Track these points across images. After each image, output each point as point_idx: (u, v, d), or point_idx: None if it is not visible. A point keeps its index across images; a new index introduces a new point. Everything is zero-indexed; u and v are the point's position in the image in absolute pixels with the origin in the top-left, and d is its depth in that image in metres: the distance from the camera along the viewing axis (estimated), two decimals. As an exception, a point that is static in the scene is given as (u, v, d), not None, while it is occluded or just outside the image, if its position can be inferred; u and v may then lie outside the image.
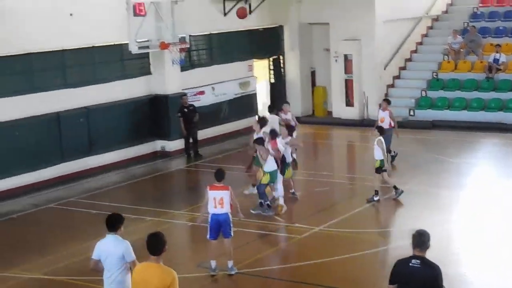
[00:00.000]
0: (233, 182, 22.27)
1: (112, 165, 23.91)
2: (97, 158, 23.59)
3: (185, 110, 25.14)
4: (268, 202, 18.23)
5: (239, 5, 27.97)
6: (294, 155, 20.27)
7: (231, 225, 14.51)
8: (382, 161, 19.14)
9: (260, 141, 18.48)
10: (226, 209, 14.34)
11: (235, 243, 16.09)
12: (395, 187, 19.24)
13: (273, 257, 15.70)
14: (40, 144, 21.80)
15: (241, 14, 21.86)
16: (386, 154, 19.59)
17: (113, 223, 10.38)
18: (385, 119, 22.28)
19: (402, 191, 19.16)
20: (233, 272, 14.52)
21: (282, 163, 18.62)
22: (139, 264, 9.27)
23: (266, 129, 19.68)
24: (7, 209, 20.06)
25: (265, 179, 18.26)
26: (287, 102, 23.60)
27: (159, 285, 8.72)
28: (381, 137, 19.17)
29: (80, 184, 22.30)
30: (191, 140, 25.42)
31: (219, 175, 14.67)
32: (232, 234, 14.53)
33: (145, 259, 9.16)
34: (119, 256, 10.15)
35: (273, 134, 18.87)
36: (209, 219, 14.52)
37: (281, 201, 18.56)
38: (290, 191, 19.67)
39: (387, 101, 23.39)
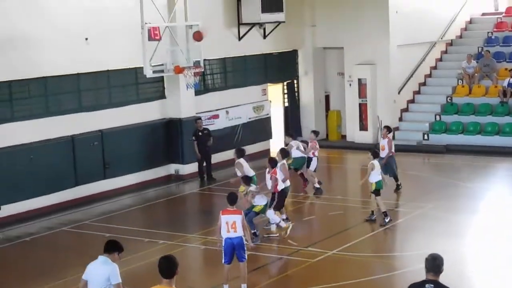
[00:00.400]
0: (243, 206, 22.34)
1: (126, 188, 23.96)
2: (111, 182, 23.64)
3: (199, 133, 25.21)
4: (255, 231, 18.04)
5: (253, 29, 28.14)
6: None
7: (245, 248, 14.49)
8: (378, 183, 19.18)
9: (246, 181, 18.36)
10: (239, 232, 14.35)
11: (249, 267, 16.05)
12: (385, 214, 19.16)
13: (287, 281, 15.65)
14: (54, 168, 21.86)
15: (197, 37, 22.09)
16: (383, 175, 19.73)
17: (109, 247, 10.63)
18: (385, 147, 22.12)
19: (390, 220, 19.10)
20: None
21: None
22: None
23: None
24: (21, 232, 20.12)
25: (258, 209, 18.14)
26: (314, 132, 23.98)
27: None
28: (374, 161, 19.35)
29: (94, 207, 22.34)
30: (204, 164, 25.45)
31: (232, 199, 14.75)
32: (246, 257, 14.50)
33: (158, 282, 8.92)
34: (105, 277, 10.33)
35: (273, 163, 18.73)
36: (223, 244, 14.52)
37: (281, 224, 18.44)
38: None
39: (387, 128, 22.96)
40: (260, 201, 18.01)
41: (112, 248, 10.57)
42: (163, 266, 8.70)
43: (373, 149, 20.38)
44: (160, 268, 8.71)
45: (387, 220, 18.97)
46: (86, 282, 10.59)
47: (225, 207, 14.64)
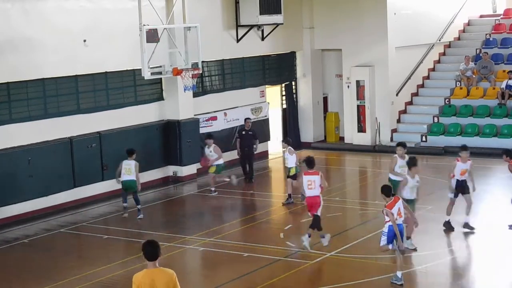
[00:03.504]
0: (243, 207, 22.37)
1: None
2: (109, 183, 23.59)
3: (243, 133, 25.54)
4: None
5: (252, 31, 28.14)
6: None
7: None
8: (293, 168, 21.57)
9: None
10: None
11: (248, 269, 16.11)
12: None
13: (285, 283, 15.62)
14: (52, 169, 21.84)
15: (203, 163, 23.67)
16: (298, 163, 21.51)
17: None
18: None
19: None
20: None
21: None
22: (140, 272, 9.55)
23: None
24: (19, 233, 20.09)
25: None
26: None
27: (168, 281, 9.32)
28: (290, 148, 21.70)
29: (92, 209, 22.32)
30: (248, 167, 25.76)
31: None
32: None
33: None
34: None
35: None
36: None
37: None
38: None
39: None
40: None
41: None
42: (148, 251, 9.40)
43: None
44: (146, 253, 9.42)
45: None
46: None
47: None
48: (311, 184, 17.04)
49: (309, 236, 17.25)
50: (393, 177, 18.90)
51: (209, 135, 24.28)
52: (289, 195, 22.19)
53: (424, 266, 16.22)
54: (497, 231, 18.74)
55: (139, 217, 20.87)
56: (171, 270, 9.46)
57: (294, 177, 21.42)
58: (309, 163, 17.44)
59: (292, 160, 21.82)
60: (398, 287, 14.74)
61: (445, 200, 21.63)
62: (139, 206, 21.03)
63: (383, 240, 14.90)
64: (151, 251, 9.41)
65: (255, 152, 26.00)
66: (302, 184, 17.28)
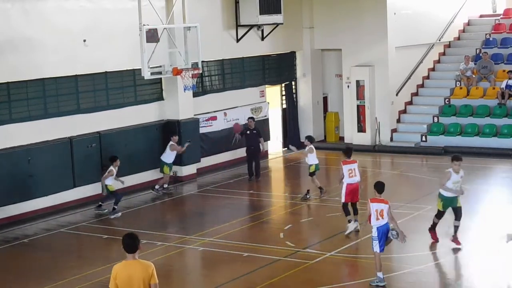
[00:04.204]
0: (242, 207, 22.39)
1: (124, 190, 23.90)
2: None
3: (247, 132, 25.60)
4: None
5: (252, 31, 28.15)
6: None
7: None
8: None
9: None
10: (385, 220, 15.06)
11: (247, 269, 16.13)
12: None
13: (284, 283, 15.62)
14: (52, 169, 21.84)
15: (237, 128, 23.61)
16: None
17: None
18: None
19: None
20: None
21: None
22: (119, 263, 9.84)
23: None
24: (19, 233, 20.09)
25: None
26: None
27: (144, 276, 9.57)
28: (311, 146, 21.97)
29: (92, 209, 22.30)
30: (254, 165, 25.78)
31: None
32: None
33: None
34: None
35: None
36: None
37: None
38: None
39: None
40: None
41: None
42: (127, 243, 9.73)
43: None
44: (125, 245, 9.75)
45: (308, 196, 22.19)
46: None
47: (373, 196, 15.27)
48: (352, 172, 18.31)
49: (356, 221, 18.51)
50: (444, 193, 17.48)
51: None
52: (308, 191, 22.65)
53: (424, 266, 16.22)
54: (498, 230, 18.73)
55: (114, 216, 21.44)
56: (148, 263, 9.70)
57: (313, 174, 22.33)
58: (348, 152, 18.87)
59: (312, 158, 22.18)
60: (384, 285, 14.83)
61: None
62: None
63: (375, 245, 14.94)
64: (129, 243, 9.70)
65: (262, 150, 26.13)
66: (341, 173, 18.43)
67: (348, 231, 18.49)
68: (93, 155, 23.03)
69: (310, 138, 22.74)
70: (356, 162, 18.59)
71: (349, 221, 18.55)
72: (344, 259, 16.80)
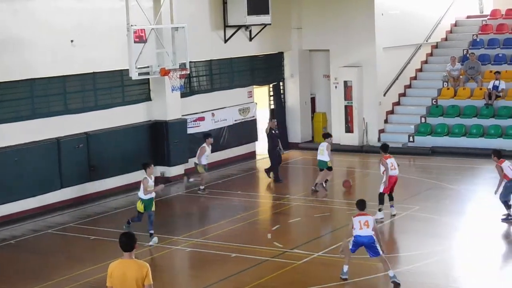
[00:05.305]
0: (230, 207, 22.38)
1: (111, 190, 23.92)
2: (97, 184, 23.60)
3: (273, 132, 25.54)
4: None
5: (240, 32, 28.15)
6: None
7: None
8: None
9: None
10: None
11: (235, 269, 16.12)
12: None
13: (272, 284, 15.64)
14: (40, 170, 21.79)
15: (347, 185, 23.68)
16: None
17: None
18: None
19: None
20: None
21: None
22: (115, 261, 9.91)
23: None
24: (6, 234, 20.02)
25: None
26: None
27: (138, 276, 9.62)
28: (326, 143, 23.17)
29: (80, 210, 22.28)
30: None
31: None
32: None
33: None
34: None
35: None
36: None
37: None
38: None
39: (496, 153, 20.01)
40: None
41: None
42: (123, 242, 9.80)
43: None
44: (121, 244, 9.81)
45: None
46: None
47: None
48: (393, 165, 19.92)
49: (392, 206, 20.18)
50: None
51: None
52: (316, 184, 23.45)
53: (412, 267, 16.27)
54: (485, 230, 18.81)
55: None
56: (143, 263, 9.74)
57: (331, 168, 23.49)
58: (386, 148, 20.39)
59: (328, 154, 23.18)
60: (342, 280, 15.23)
61: (432, 200, 21.76)
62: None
63: (351, 244, 15.32)
64: (125, 242, 9.77)
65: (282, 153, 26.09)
66: (385, 166, 19.85)
67: (376, 217, 18.94)
68: (80, 156, 22.96)
69: (328, 135, 24.08)
70: (393, 157, 20.21)
71: (380, 210, 19.77)
72: (331, 260, 16.81)
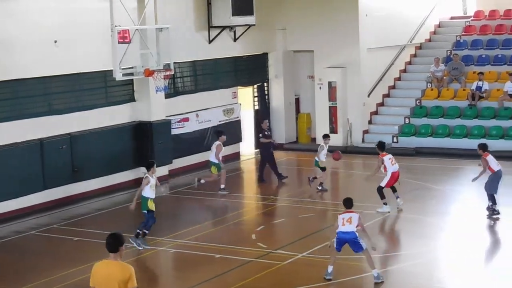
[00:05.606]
0: (215, 208, 22.35)
1: (95, 192, 23.83)
2: (80, 185, 23.50)
3: (266, 133, 25.49)
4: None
5: (224, 32, 28.12)
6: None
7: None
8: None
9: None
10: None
11: (219, 270, 16.09)
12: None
13: (256, 284, 15.61)
14: (23, 171, 21.65)
15: (337, 157, 23.65)
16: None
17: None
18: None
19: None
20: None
21: None
22: (100, 262, 9.84)
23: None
24: (-11, 236, 19.94)
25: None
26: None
27: (121, 278, 9.50)
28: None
29: (63, 211, 22.18)
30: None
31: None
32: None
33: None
34: None
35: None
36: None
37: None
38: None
39: (482, 146, 20.51)
40: None
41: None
42: (109, 242, 9.70)
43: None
44: (107, 244, 9.69)
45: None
46: None
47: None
48: (392, 161, 20.69)
49: (397, 197, 20.92)
50: None
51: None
52: (315, 181, 23.73)
53: (397, 267, 16.30)
54: (469, 231, 18.87)
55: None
56: (127, 266, 9.63)
57: (323, 169, 23.71)
58: (382, 146, 21.25)
59: (321, 154, 23.51)
60: (326, 281, 15.26)
61: (418, 200, 21.80)
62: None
63: (335, 242, 15.34)
64: (110, 243, 9.67)
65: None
66: (379, 164, 20.83)
67: (381, 210, 20.48)
68: (64, 157, 22.85)
69: (328, 136, 24.25)
70: (390, 154, 20.99)
71: (385, 204, 20.55)
72: (316, 260, 16.82)
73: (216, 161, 23.64)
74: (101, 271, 9.68)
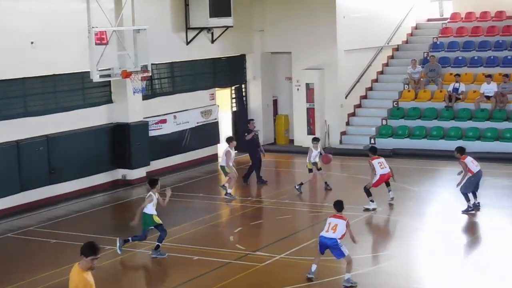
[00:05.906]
0: (193, 210, 22.32)
1: (72, 194, 23.73)
2: (57, 187, 23.37)
3: (254, 134, 25.47)
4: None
5: (202, 34, 28.09)
6: None
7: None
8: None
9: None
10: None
11: (197, 272, 16.07)
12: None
13: (236, 286, 15.61)
14: (-2, 173, 21.54)
15: (326, 160, 23.68)
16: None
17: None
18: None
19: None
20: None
21: None
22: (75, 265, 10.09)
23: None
24: (-35, 238, 19.80)
25: None
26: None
27: (72, 285, 9.85)
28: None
29: (40, 213, 22.05)
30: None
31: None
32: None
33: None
34: None
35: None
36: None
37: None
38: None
39: (459, 149, 21.00)
40: None
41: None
42: (83, 247, 9.99)
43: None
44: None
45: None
46: None
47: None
48: (382, 164, 21.09)
49: (390, 191, 21.60)
50: None
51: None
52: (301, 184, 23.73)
53: (374, 267, 16.35)
54: (446, 232, 18.96)
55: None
56: (78, 276, 9.79)
57: (309, 170, 23.77)
58: (374, 150, 21.83)
59: (309, 156, 23.66)
60: (307, 279, 15.35)
61: (395, 201, 21.87)
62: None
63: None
64: (83, 247, 9.91)
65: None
66: (372, 167, 21.10)
67: (368, 207, 20.95)
68: (41, 159, 22.71)
69: (318, 139, 24.39)
70: (381, 158, 21.35)
71: (372, 201, 21.00)
72: (294, 262, 16.84)
73: (224, 164, 23.45)
74: (70, 273, 9.98)
